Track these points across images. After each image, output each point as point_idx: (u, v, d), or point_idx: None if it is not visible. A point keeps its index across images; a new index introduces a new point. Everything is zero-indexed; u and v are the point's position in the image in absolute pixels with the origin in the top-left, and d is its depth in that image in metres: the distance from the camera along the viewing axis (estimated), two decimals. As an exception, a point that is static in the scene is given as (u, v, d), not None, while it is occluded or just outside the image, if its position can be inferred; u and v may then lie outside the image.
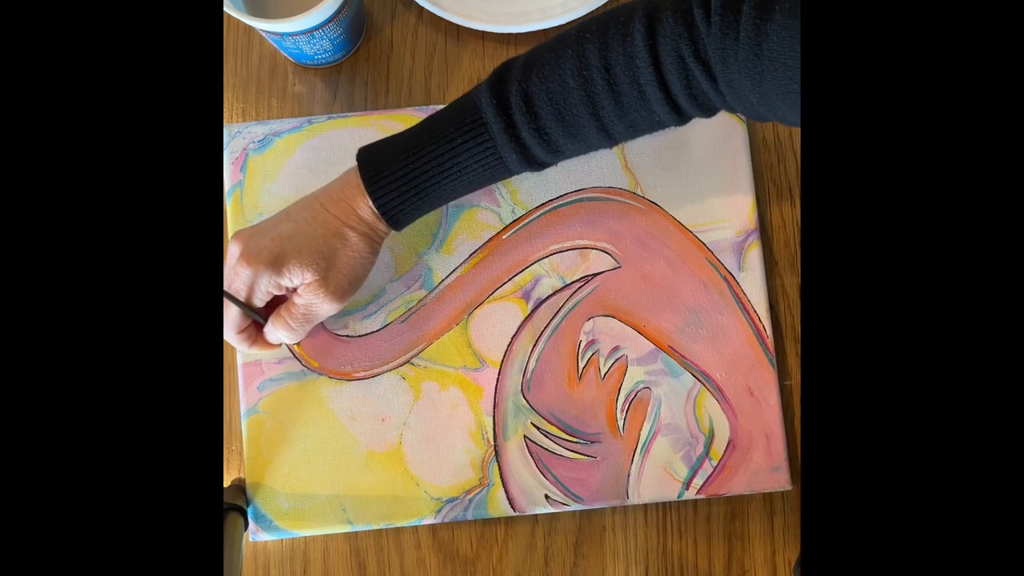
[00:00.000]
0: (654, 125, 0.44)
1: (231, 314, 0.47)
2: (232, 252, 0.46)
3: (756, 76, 0.38)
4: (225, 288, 0.46)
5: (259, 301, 0.47)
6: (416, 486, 0.53)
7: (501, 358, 0.54)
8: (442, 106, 0.56)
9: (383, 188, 0.45)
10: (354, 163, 0.46)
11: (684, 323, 0.54)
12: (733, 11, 0.38)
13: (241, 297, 0.46)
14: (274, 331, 0.48)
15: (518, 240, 0.55)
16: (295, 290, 0.47)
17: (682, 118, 0.44)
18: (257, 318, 0.48)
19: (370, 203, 0.45)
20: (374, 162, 0.45)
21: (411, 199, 0.45)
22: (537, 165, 0.46)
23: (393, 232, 0.48)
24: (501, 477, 0.53)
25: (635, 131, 0.45)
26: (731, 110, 0.43)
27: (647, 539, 0.54)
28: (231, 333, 0.48)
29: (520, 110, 0.43)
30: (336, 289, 0.46)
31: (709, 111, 0.44)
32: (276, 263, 0.45)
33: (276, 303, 0.49)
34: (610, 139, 0.45)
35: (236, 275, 0.46)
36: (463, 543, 0.54)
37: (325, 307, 0.47)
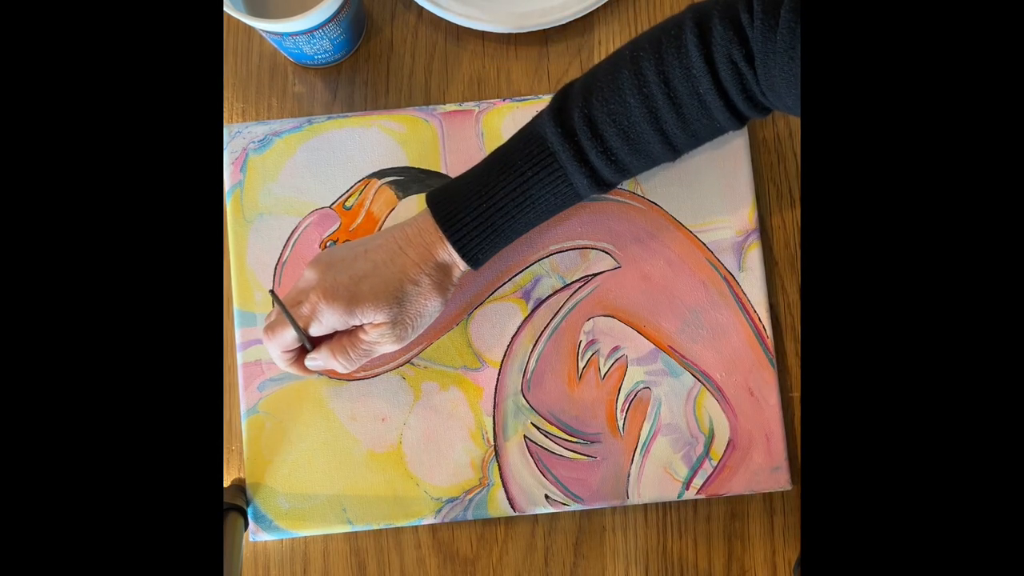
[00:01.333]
0: (715, 132, 0.45)
1: (286, 335, 0.47)
2: (308, 278, 0.47)
3: (792, 79, 0.38)
4: (290, 310, 0.46)
5: (317, 331, 0.47)
6: (416, 486, 0.53)
7: (501, 358, 0.54)
8: (442, 106, 0.56)
9: (461, 229, 0.45)
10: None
11: (684, 323, 0.54)
12: (773, 14, 0.38)
13: (301, 323, 0.46)
14: (329, 359, 0.47)
15: (518, 240, 0.55)
16: (360, 326, 0.47)
17: (741, 122, 0.45)
18: (307, 344, 0.48)
19: (448, 246, 0.46)
20: (447, 205, 0.46)
21: (489, 236, 0.46)
22: (605, 187, 0.47)
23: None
24: (501, 477, 0.53)
25: (698, 140, 0.45)
26: (783, 110, 0.44)
27: (647, 539, 0.54)
28: (277, 351, 0.48)
29: (585, 135, 0.44)
30: (402, 333, 0.47)
31: (764, 111, 0.44)
32: (351, 303, 0.45)
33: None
34: (674, 151, 0.46)
35: (305, 301, 0.46)
36: (463, 543, 0.54)
37: (386, 348, 0.48)
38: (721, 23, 0.41)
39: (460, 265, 0.47)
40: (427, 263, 0.46)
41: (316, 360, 0.48)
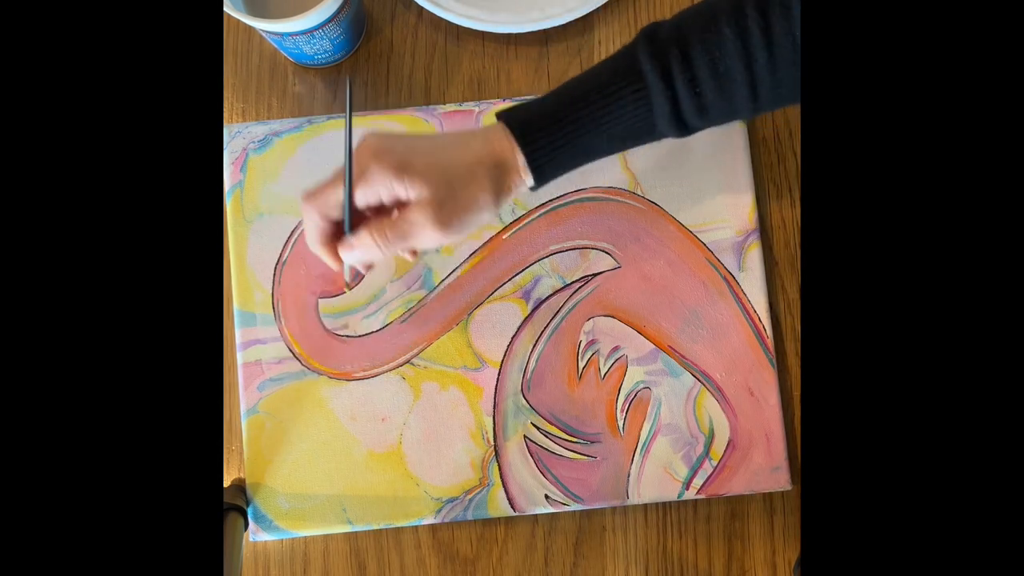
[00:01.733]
0: (796, 93, 0.44)
1: (330, 196, 0.43)
2: (359, 143, 0.43)
3: None
4: (336, 170, 0.43)
5: (361, 199, 0.43)
6: (416, 486, 0.53)
7: (501, 358, 0.54)
8: (442, 106, 0.56)
9: (534, 135, 0.43)
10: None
11: (684, 323, 0.54)
12: None
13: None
14: (366, 238, 0.43)
15: (518, 240, 0.55)
16: (404, 206, 0.43)
17: None
18: (347, 220, 0.44)
19: (517, 150, 0.44)
20: (522, 113, 0.44)
21: (561, 146, 0.44)
22: (682, 126, 0.45)
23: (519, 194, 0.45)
24: (501, 477, 0.53)
25: (781, 93, 0.44)
26: None
27: (647, 539, 0.54)
28: (316, 216, 0.44)
29: (676, 59, 0.43)
30: (446, 219, 0.43)
31: None
32: (400, 168, 0.42)
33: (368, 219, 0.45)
34: (756, 101, 0.44)
35: (355, 164, 0.43)
36: (463, 543, 0.54)
37: (427, 233, 0.43)
38: None
39: (523, 173, 0.45)
40: (491, 157, 0.44)
41: (351, 244, 0.44)
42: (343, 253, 0.45)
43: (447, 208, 0.43)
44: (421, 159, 0.43)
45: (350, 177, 0.42)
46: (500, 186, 0.44)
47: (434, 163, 0.43)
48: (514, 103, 0.46)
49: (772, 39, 0.42)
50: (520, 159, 0.44)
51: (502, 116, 0.45)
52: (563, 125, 0.44)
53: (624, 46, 0.45)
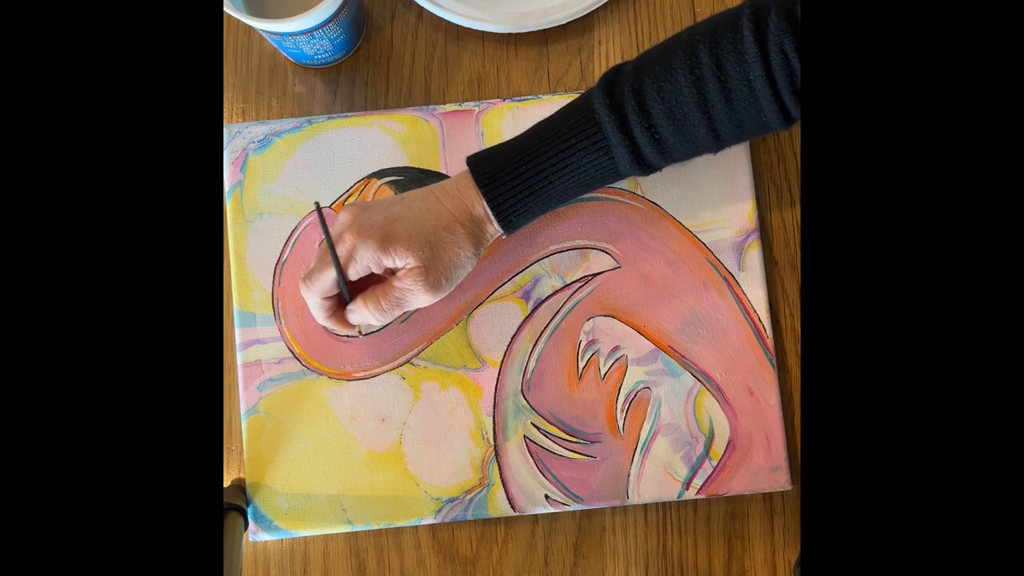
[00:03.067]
0: (760, 127, 0.45)
1: (324, 278, 0.47)
2: (341, 221, 0.47)
3: None
4: (325, 250, 0.46)
5: (353, 274, 0.47)
6: (416, 486, 0.53)
7: (501, 358, 0.54)
8: (442, 106, 0.56)
9: (498, 188, 0.46)
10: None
11: (684, 323, 0.54)
12: None
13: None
14: (363, 309, 0.47)
15: (518, 240, 0.55)
16: (393, 273, 0.47)
17: (788, 120, 0.45)
18: (345, 292, 0.47)
19: (484, 204, 0.46)
20: (487, 165, 0.46)
21: (524, 199, 0.46)
22: (645, 168, 0.47)
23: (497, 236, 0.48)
24: (501, 477, 0.53)
25: (742, 132, 0.45)
26: None
27: (647, 539, 0.54)
28: (317, 298, 0.47)
29: (633, 109, 0.44)
30: (435, 281, 0.46)
31: None
32: (384, 241, 0.45)
33: (363, 286, 0.48)
34: (718, 140, 0.46)
35: (340, 242, 0.46)
36: (463, 543, 0.54)
37: (420, 297, 0.47)
38: (777, 14, 0.41)
39: (494, 224, 0.47)
40: (463, 214, 0.46)
41: (354, 312, 0.48)
42: (351, 319, 0.48)
43: (433, 271, 0.46)
44: (401, 227, 0.46)
45: (337, 261, 0.46)
46: (478, 239, 0.47)
47: (414, 229, 0.46)
48: (483, 149, 0.48)
49: (728, 84, 0.43)
50: (489, 214, 0.46)
51: (470, 163, 0.47)
52: (526, 176, 0.46)
53: (585, 93, 0.47)
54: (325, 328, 0.52)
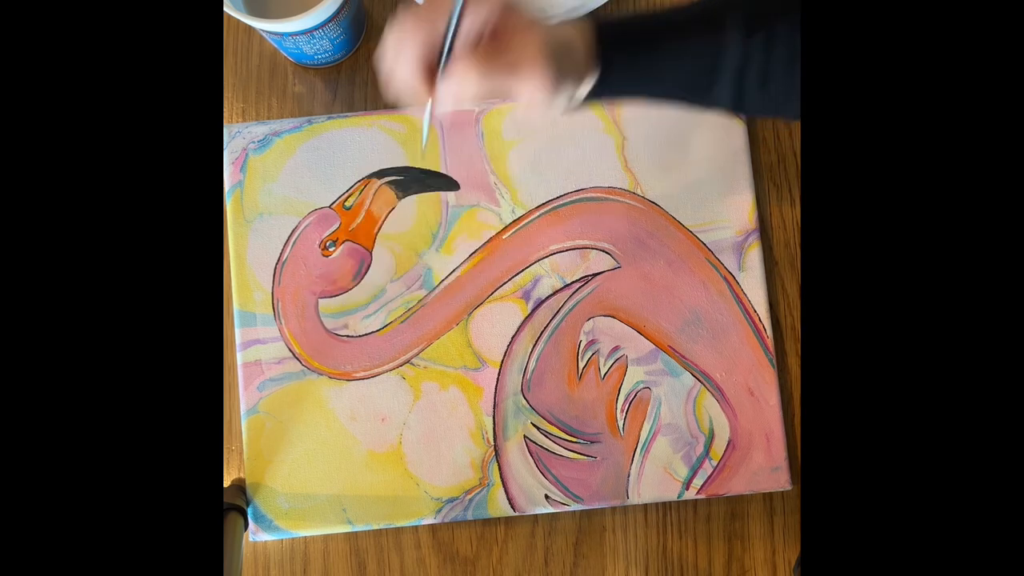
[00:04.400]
0: None
1: (437, 20, 0.38)
2: None
3: None
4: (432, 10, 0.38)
5: (468, 24, 0.38)
6: (416, 486, 0.53)
7: (501, 358, 0.54)
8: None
9: (615, 39, 0.42)
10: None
11: (684, 323, 0.54)
12: None
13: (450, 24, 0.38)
14: (465, 66, 0.38)
15: (518, 240, 0.55)
16: (510, 40, 0.39)
17: None
18: (447, 48, 0.38)
19: (595, 42, 0.41)
20: (612, 18, 0.43)
21: (633, 60, 0.42)
22: (738, 99, 0.44)
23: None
24: (501, 477, 0.53)
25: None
26: None
27: (647, 539, 0.54)
28: (420, 37, 0.38)
29: (757, 13, 0.42)
30: (551, 53, 0.39)
31: None
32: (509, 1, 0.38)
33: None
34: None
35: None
36: (463, 543, 0.54)
37: (535, 70, 0.39)
38: None
39: (592, 65, 0.42)
40: (580, 39, 0.41)
41: (457, 68, 0.39)
42: (443, 88, 0.39)
43: (551, 42, 0.40)
44: (525, 3, 0.39)
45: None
46: (585, 68, 0.42)
47: (537, 10, 0.40)
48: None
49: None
50: (593, 48, 0.41)
51: (593, 15, 0.43)
52: (643, 34, 0.43)
53: (720, 4, 0.43)
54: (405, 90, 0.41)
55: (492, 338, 0.54)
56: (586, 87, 0.43)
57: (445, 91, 0.39)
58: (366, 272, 0.55)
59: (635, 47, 0.43)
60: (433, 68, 0.40)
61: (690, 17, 0.44)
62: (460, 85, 0.39)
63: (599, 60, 0.42)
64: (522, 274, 0.55)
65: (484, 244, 0.55)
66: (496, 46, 0.39)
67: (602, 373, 0.54)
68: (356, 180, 0.55)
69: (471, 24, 0.38)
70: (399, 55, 0.39)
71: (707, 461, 0.53)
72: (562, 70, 0.41)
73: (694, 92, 0.44)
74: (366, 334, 0.54)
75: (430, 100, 0.40)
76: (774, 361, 0.54)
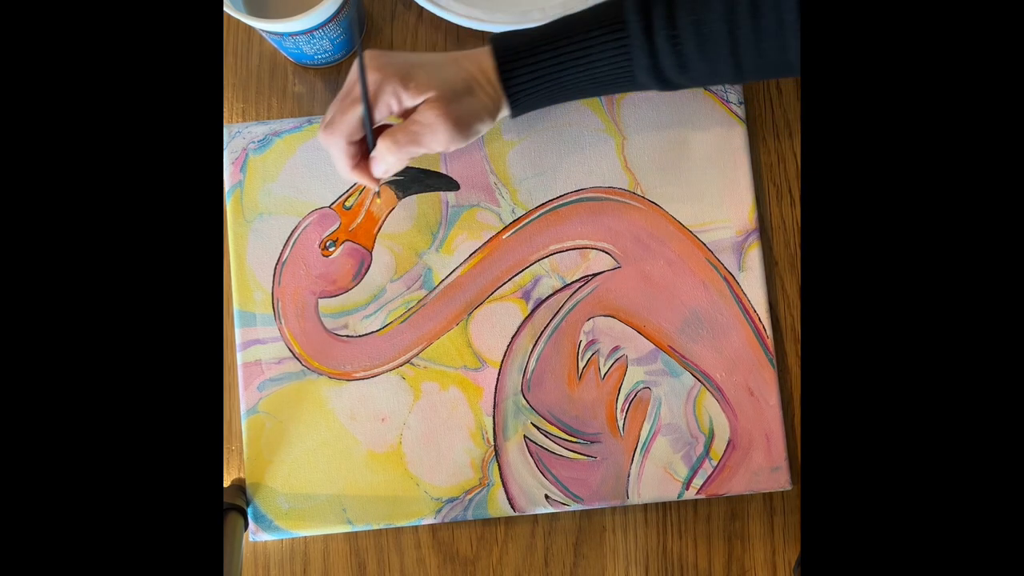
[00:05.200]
0: (782, 65, 0.44)
1: (350, 119, 0.45)
2: (356, 66, 0.45)
3: None
4: (346, 93, 0.45)
5: (376, 115, 0.45)
6: (416, 486, 0.53)
7: (501, 358, 0.54)
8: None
9: (514, 65, 0.45)
10: None
11: (684, 323, 0.54)
12: None
13: (351, 103, 0.45)
14: (381, 150, 0.46)
15: (518, 240, 0.55)
16: (414, 112, 0.45)
17: None
18: (370, 138, 0.46)
19: (499, 79, 0.45)
20: (509, 41, 0.46)
21: (537, 81, 0.46)
22: (662, 81, 0.46)
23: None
24: (501, 477, 0.53)
25: (763, 64, 0.45)
26: None
27: (647, 539, 0.54)
28: (342, 143, 0.45)
29: (661, 15, 0.44)
30: (456, 117, 0.45)
31: None
32: (404, 75, 0.44)
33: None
34: (738, 68, 0.45)
35: (358, 82, 0.44)
36: (463, 543, 0.54)
37: (439, 132, 0.45)
38: None
39: (503, 100, 0.47)
40: (482, 76, 0.46)
41: (377, 158, 0.46)
42: (375, 169, 0.47)
43: (454, 107, 0.44)
44: (421, 71, 0.44)
45: (366, 98, 0.44)
46: (495, 102, 0.46)
47: (435, 74, 0.45)
48: (510, 31, 0.47)
49: (759, 10, 0.43)
50: (494, 76, 0.46)
51: (492, 39, 0.46)
52: (543, 60, 0.45)
53: None
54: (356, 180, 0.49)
55: (492, 338, 0.54)
56: (503, 112, 0.47)
57: (376, 172, 0.47)
58: (366, 272, 0.55)
59: (537, 63, 0.46)
60: (366, 155, 0.47)
61: (589, 18, 0.46)
62: (383, 165, 0.46)
63: (504, 86, 0.46)
64: (522, 274, 0.55)
65: (484, 244, 0.55)
66: (405, 122, 0.45)
67: (602, 373, 0.54)
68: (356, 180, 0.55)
69: (379, 112, 0.45)
70: (335, 163, 0.47)
71: (707, 461, 0.53)
72: (471, 111, 0.45)
73: (615, 84, 0.47)
74: (366, 334, 0.54)
75: (373, 184, 0.48)
76: (774, 361, 0.54)
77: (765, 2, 0.42)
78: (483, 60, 0.46)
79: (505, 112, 0.47)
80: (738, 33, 0.43)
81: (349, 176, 0.47)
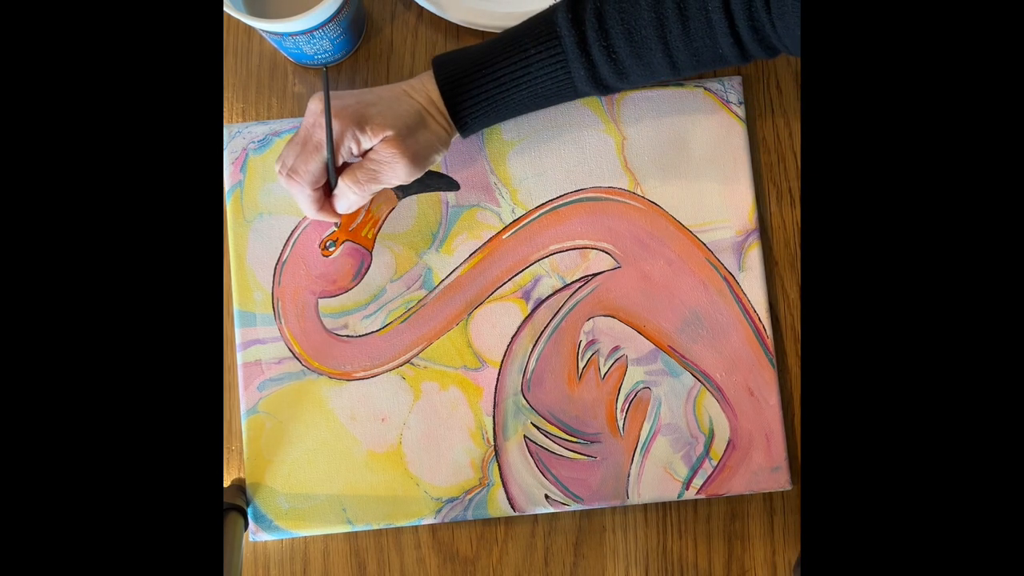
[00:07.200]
0: (717, 59, 0.46)
1: (313, 166, 0.46)
2: (312, 109, 0.46)
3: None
4: (305, 136, 0.46)
5: (337, 159, 0.47)
6: (416, 486, 0.53)
7: (501, 358, 0.54)
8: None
9: (457, 92, 0.47)
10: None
11: (684, 323, 0.54)
12: None
13: (312, 149, 0.46)
14: (343, 188, 0.47)
15: (518, 240, 0.55)
16: (371, 151, 0.47)
17: (744, 54, 0.45)
18: (333, 177, 0.47)
19: (444, 107, 0.47)
20: (450, 69, 0.47)
21: (481, 105, 0.47)
22: (602, 87, 0.48)
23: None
24: (501, 477, 0.53)
25: (698, 62, 0.46)
26: (788, 52, 0.44)
27: (647, 539, 0.54)
28: (308, 189, 0.47)
29: (593, 26, 0.45)
30: (413, 153, 0.46)
31: (769, 50, 0.45)
32: (360, 119, 0.45)
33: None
34: (674, 68, 0.47)
35: (317, 127, 0.46)
36: (463, 543, 0.54)
37: (397, 168, 0.46)
38: None
39: (454, 127, 0.48)
40: (431, 107, 0.47)
41: (339, 196, 0.48)
42: (338, 206, 0.48)
43: (410, 143, 0.46)
44: (375, 109, 0.46)
45: (331, 142, 0.45)
46: (446, 130, 0.48)
47: (388, 111, 0.46)
48: (451, 50, 0.49)
49: (686, 12, 0.44)
50: (440, 106, 0.47)
51: (435, 64, 0.48)
52: (485, 84, 0.47)
53: (549, 7, 0.48)
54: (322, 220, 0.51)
55: (492, 338, 0.54)
56: (455, 136, 0.49)
57: (340, 209, 0.49)
58: (366, 272, 0.55)
59: (480, 88, 0.47)
60: (328, 193, 0.48)
61: (524, 34, 0.47)
62: (346, 202, 0.48)
63: (451, 113, 0.48)
64: (522, 274, 0.55)
65: (484, 244, 0.55)
66: (364, 160, 0.47)
67: (602, 373, 0.54)
68: (322, 219, 0.55)
69: (340, 158, 0.46)
70: (300, 205, 0.48)
71: (707, 461, 0.53)
72: (426, 144, 0.47)
73: (558, 96, 0.49)
74: (366, 334, 0.54)
75: (336, 219, 0.50)
76: (774, 361, 0.54)
77: (691, 5, 0.44)
78: (430, 89, 0.47)
79: (456, 135, 0.49)
80: (668, 38, 0.45)
81: (316, 217, 0.49)
